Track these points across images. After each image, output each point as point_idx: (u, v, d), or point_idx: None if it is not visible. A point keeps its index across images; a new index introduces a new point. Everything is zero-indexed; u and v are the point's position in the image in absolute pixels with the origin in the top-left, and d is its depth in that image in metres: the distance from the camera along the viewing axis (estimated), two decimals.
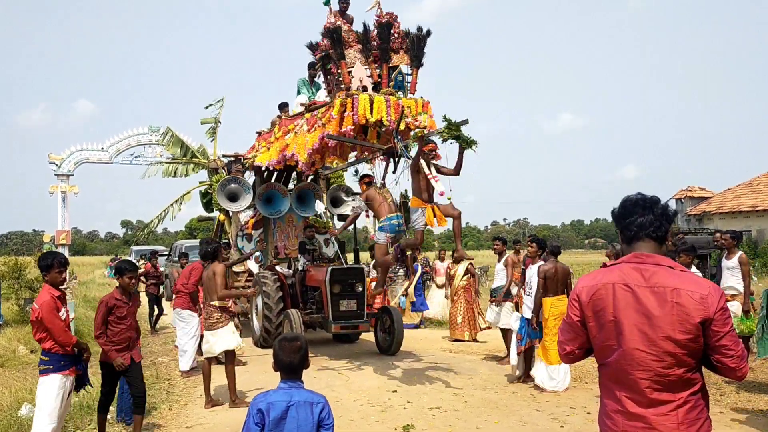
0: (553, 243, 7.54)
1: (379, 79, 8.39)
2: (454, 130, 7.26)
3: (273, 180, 12.19)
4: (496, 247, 9.22)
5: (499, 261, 9.19)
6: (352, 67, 8.33)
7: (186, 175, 13.59)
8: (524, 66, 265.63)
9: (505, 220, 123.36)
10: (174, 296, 8.80)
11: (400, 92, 8.51)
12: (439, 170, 7.52)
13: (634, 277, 2.38)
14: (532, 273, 7.40)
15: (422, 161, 7.40)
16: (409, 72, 8.60)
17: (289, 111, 10.74)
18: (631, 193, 2.55)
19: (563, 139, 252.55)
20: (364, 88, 8.30)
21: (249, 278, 11.88)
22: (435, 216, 7.36)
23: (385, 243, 7.89)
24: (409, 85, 8.58)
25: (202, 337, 8.80)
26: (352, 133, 8.24)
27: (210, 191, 12.58)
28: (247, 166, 11.73)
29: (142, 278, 12.84)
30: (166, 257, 20.75)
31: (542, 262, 7.36)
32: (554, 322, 7.11)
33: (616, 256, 9.95)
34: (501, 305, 8.85)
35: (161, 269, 15.88)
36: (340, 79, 8.40)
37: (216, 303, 6.88)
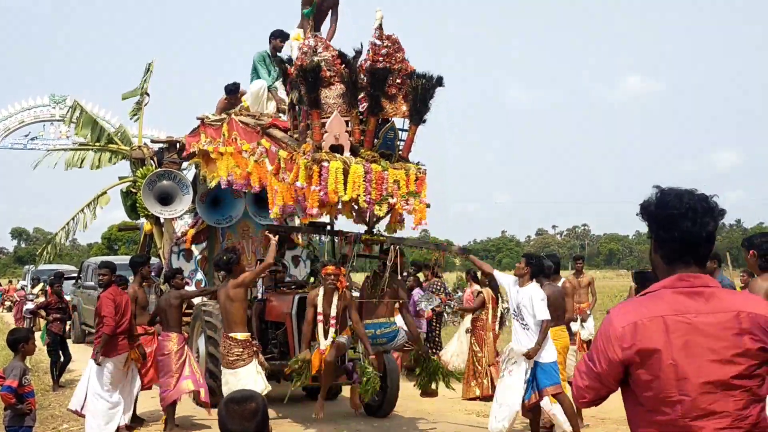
0: (546, 261, 8.41)
1: (362, 138, 8.51)
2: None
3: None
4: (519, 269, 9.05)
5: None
6: (328, 117, 8.39)
7: (98, 167, 13.88)
8: (570, 8, 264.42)
9: (555, 228, 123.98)
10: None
11: (386, 158, 8.59)
12: None
13: (689, 305, 2.63)
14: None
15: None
16: (406, 128, 8.76)
17: (240, 97, 10.96)
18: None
19: (630, 111, 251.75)
20: (340, 149, 8.37)
21: (188, 311, 12.17)
22: None
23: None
24: (402, 144, 8.73)
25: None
26: (317, 215, 8.62)
27: (134, 190, 12.88)
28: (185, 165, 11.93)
29: (42, 311, 13.03)
30: (74, 281, 20.78)
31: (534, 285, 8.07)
32: (559, 357, 8.11)
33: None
34: None
35: (68, 298, 16.11)
36: (309, 131, 8.50)
37: (238, 335, 7.75)
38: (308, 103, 8.40)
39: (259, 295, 10.68)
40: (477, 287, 14.30)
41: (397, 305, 9.24)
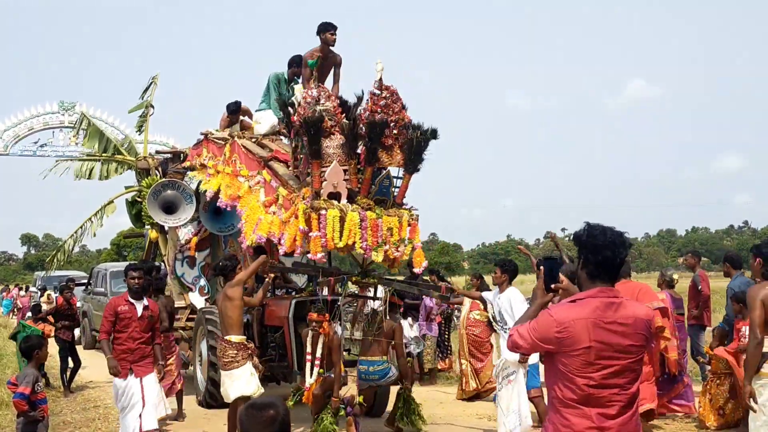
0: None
1: (359, 186, 9.02)
2: None
3: None
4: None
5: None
6: (327, 166, 8.87)
7: (106, 177, 14.36)
8: (569, 14, 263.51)
9: (564, 230, 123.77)
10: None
11: (382, 203, 9.11)
12: None
13: (604, 312, 3.66)
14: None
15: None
16: (400, 176, 9.26)
17: (258, 129, 11.35)
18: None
19: (635, 115, 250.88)
20: (337, 196, 8.87)
21: (191, 316, 12.63)
22: None
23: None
24: (396, 191, 9.24)
25: None
26: (323, 260, 9.08)
27: (140, 199, 13.32)
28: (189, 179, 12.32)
29: (51, 318, 13.17)
30: (84, 287, 20.99)
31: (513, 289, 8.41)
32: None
33: (669, 284, 10.92)
34: None
35: (78, 304, 16.49)
36: (309, 179, 8.99)
37: (233, 338, 8.12)
38: (309, 153, 8.88)
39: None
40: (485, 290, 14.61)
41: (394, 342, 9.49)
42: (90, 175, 14.45)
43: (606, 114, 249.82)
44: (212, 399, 10.73)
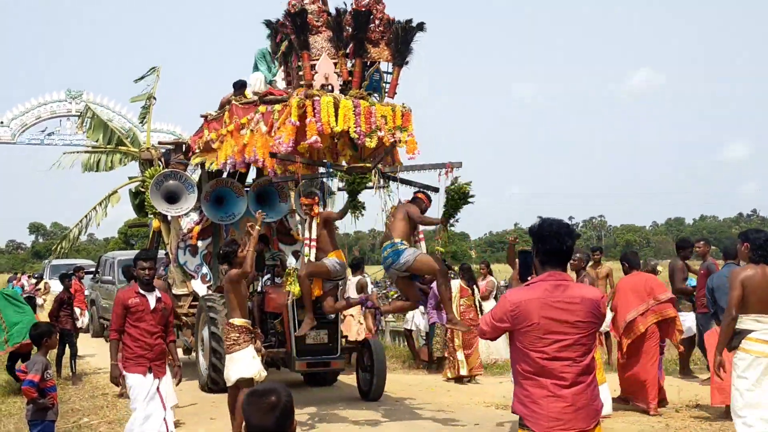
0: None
1: (350, 78, 9.29)
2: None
3: (225, 175, 13.08)
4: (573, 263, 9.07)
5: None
6: (317, 59, 9.19)
7: (110, 168, 14.63)
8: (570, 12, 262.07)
9: (572, 219, 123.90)
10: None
11: (375, 94, 9.41)
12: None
13: (553, 293, 4.11)
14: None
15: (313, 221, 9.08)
16: (390, 71, 9.53)
17: (248, 92, 11.66)
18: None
19: (644, 103, 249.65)
20: (330, 88, 9.19)
21: (194, 303, 12.93)
22: None
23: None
24: (387, 86, 9.50)
25: None
26: (318, 144, 9.19)
27: (143, 189, 13.55)
28: (193, 164, 12.60)
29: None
30: (92, 275, 21.09)
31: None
32: None
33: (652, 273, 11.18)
34: None
35: (86, 293, 16.68)
36: (301, 73, 9.29)
37: (235, 321, 8.20)
38: (297, 45, 9.20)
39: (259, 288, 11.42)
40: (492, 278, 14.89)
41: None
42: (97, 167, 14.73)
43: (612, 104, 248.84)
44: (214, 384, 11.02)
